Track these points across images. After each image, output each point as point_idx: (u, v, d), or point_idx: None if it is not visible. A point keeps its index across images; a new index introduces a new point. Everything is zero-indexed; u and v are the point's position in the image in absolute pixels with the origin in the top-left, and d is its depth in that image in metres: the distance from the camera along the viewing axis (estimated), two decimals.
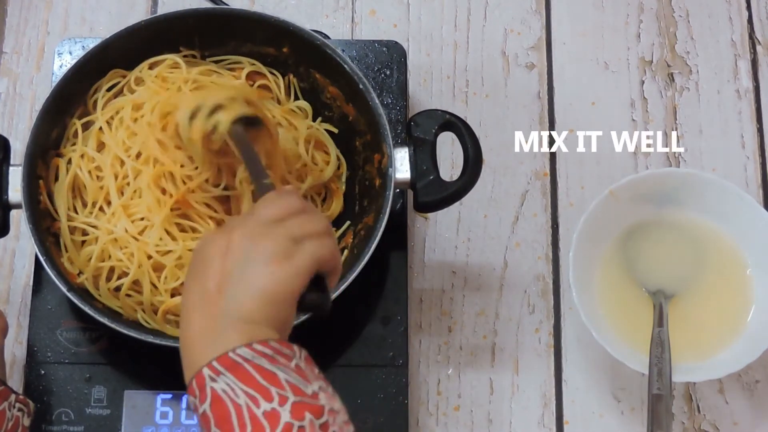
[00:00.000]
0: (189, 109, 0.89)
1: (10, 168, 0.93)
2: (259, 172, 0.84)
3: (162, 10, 1.12)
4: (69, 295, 0.89)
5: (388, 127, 0.95)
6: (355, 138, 1.00)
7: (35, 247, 0.90)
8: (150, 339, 0.90)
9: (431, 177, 0.94)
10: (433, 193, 0.94)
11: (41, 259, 0.90)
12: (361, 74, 0.96)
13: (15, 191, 0.92)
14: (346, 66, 0.96)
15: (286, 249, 0.72)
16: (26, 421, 0.86)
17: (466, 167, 0.94)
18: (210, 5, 1.10)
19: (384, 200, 0.93)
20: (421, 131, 0.95)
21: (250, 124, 0.89)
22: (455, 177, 0.94)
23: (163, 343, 0.89)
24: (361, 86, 0.96)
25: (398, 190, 0.96)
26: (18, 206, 0.92)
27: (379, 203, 0.94)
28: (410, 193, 1.03)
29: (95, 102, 0.98)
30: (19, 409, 0.85)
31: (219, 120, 0.88)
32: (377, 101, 0.95)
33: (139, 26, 0.97)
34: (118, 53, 0.98)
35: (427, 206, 0.95)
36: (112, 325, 0.89)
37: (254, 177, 0.84)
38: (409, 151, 0.95)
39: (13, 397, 0.85)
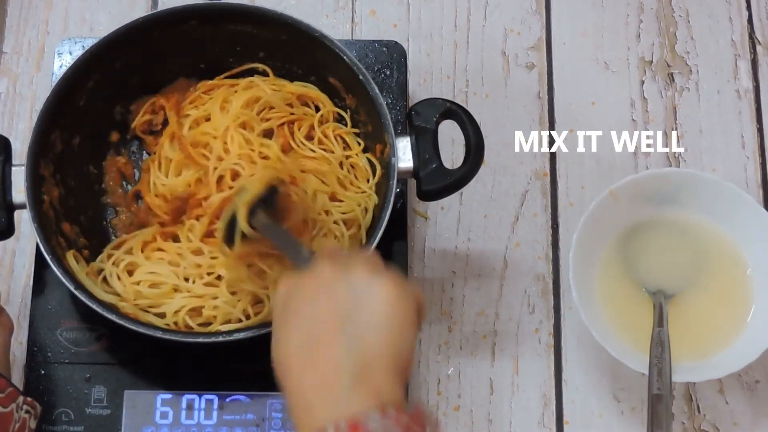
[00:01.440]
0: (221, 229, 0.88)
1: (13, 168, 0.93)
2: (295, 249, 0.80)
3: (162, 8, 1.12)
4: (77, 293, 0.89)
5: (389, 117, 0.95)
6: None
7: (41, 246, 0.90)
8: (160, 335, 0.89)
9: (434, 165, 0.94)
10: (437, 181, 0.94)
11: (47, 258, 0.90)
12: (360, 65, 0.96)
13: (19, 192, 0.92)
14: (345, 57, 0.97)
15: (396, 280, 0.70)
16: (33, 424, 0.86)
17: (469, 154, 0.94)
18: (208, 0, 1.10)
19: (388, 189, 0.93)
20: (422, 120, 0.95)
21: (271, 196, 0.87)
22: (456, 165, 0.94)
23: (173, 338, 0.89)
24: (360, 77, 0.96)
25: (401, 180, 0.96)
26: (22, 206, 0.92)
27: (383, 193, 0.94)
28: (410, 193, 1.03)
29: None
30: (27, 411, 0.85)
31: (238, 224, 0.85)
32: (377, 91, 0.95)
33: (137, 23, 0.97)
34: (119, 52, 0.98)
35: (430, 194, 0.95)
36: (121, 322, 0.89)
37: (292, 256, 0.80)
38: (410, 140, 0.95)
39: (21, 398, 0.85)
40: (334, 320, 0.67)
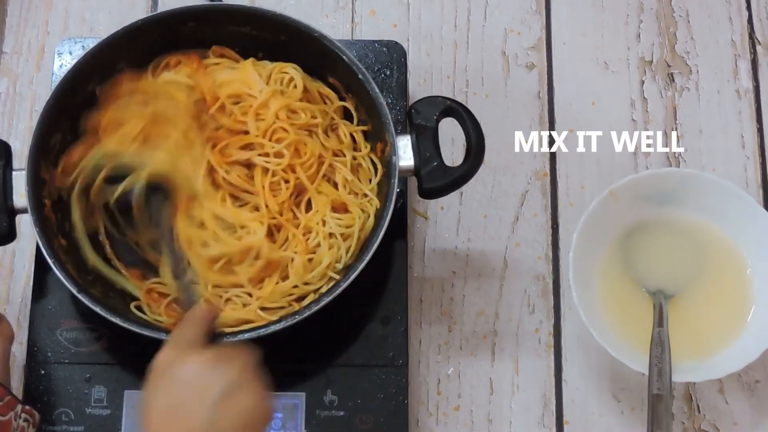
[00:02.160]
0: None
1: (14, 173, 0.93)
2: (181, 269, 0.88)
3: (162, 9, 1.12)
4: (80, 296, 0.89)
5: (389, 115, 0.95)
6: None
7: (43, 250, 0.90)
8: (163, 336, 0.89)
9: (435, 163, 0.94)
10: (438, 179, 0.94)
11: (49, 261, 0.90)
12: (360, 64, 0.96)
13: (20, 196, 0.92)
14: (344, 57, 0.97)
15: (262, 393, 0.78)
16: None
17: (469, 152, 0.94)
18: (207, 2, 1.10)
19: (389, 188, 0.93)
20: (423, 118, 0.95)
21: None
22: (456, 165, 0.95)
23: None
24: (360, 76, 0.96)
25: (401, 179, 0.96)
26: (24, 211, 0.92)
27: (384, 191, 0.94)
28: (410, 193, 1.03)
29: None
30: (25, 420, 0.85)
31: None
32: (377, 90, 0.95)
33: (137, 25, 0.97)
34: (119, 52, 0.98)
35: (431, 192, 0.95)
36: (123, 324, 0.89)
37: (176, 274, 0.89)
38: (411, 138, 0.95)
39: (19, 407, 0.85)
40: (201, 400, 0.75)
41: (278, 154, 0.95)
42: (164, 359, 0.78)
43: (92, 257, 0.95)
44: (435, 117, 0.95)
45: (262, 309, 0.94)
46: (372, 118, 0.97)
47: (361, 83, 0.96)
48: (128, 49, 0.99)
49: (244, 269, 0.94)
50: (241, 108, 0.97)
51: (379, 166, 0.98)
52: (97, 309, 0.89)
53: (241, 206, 0.96)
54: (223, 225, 0.95)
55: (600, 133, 1.11)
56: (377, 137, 0.97)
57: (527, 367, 1.03)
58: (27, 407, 0.85)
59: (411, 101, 1.07)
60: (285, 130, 0.96)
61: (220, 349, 0.79)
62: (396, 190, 0.93)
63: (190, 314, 0.81)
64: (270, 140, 0.96)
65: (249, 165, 0.96)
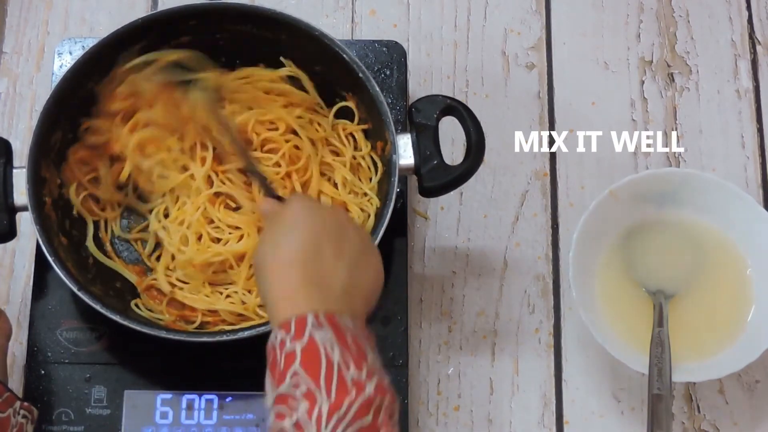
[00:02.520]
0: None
1: (14, 170, 0.93)
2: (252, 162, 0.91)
3: (162, 9, 1.12)
4: (80, 294, 0.89)
5: (390, 114, 0.95)
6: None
7: (43, 248, 0.90)
8: (164, 335, 0.90)
9: (435, 162, 0.94)
10: (438, 178, 0.94)
11: (50, 260, 0.90)
12: (360, 63, 0.96)
13: (20, 194, 0.92)
14: (344, 55, 0.97)
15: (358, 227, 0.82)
16: (30, 428, 0.86)
17: (470, 150, 0.94)
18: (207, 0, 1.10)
19: (390, 187, 0.93)
20: (423, 117, 0.95)
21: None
22: (456, 162, 0.95)
23: (178, 338, 0.90)
24: (360, 75, 0.96)
25: (401, 178, 0.96)
26: (24, 209, 0.92)
27: (384, 190, 0.94)
28: (410, 193, 1.03)
29: None
30: (24, 416, 0.85)
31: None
32: (377, 89, 0.96)
33: (136, 24, 0.97)
34: (118, 52, 0.98)
35: (432, 191, 0.95)
36: (125, 323, 0.89)
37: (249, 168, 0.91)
38: (411, 136, 0.95)
39: (18, 403, 0.85)
40: (334, 237, 0.77)
41: (274, 165, 0.98)
42: (269, 206, 0.82)
43: (92, 246, 0.97)
44: (435, 115, 0.95)
45: (260, 307, 0.94)
46: (372, 116, 0.97)
47: (361, 82, 0.96)
48: (128, 48, 0.99)
49: (241, 271, 0.95)
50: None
51: (380, 165, 0.98)
52: (98, 307, 0.89)
53: (236, 209, 0.98)
54: (216, 228, 0.97)
55: (600, 133, 1.11)
56: (377, 136, 0.97)
57: (527, 367, 1.02)
58: (25, 404, 0.85)
59: (411, 101, 1.07)
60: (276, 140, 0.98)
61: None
62: (396, 190, 0.93)
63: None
64: (263, 150, 0.99)
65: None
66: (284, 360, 0.71)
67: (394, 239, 0.99)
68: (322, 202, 0.85)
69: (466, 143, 0.95)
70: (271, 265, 0.77)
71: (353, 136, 1.01)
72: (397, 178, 0.93)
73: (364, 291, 0.78)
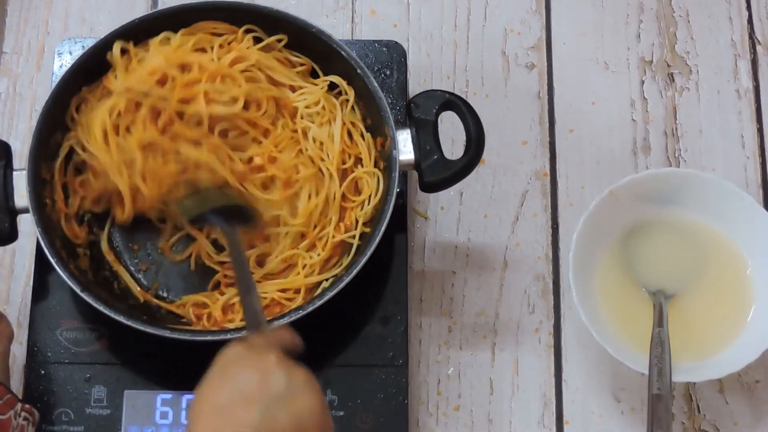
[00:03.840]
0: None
1: (14, 173, 0.93)
2: (249, 285, 0.82)
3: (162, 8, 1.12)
4: (83, 295, 0.89)
5: (389, 110, 0.95)
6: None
7: (45, 250, 0.90)
8: (167, 335, 0.90)
9: (435, 157, 0.94)
10: (439, 173, 0.94)
11: (52, 261, 0.90)
12: (358, 59, 0.96)
13: (21, 197, 0.92)
14: (343, 52, 0.97)
15: (324, 404, 0.75)
16: (31, 430, 0.86)
17: (469, 145, 0.94)
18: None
19: (390, 182, 0.93)
20: (422, 112, 0.96)
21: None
22: (456, 156, 0.95)
23: (178, 338, 0.90)
24: (359, 71, 0.96)
25: (401, 178, 0.96)
26: (25, 211, 0.92)
27: (384, 186, 0.94)
28: (410, 193, 1.03)
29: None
30: (25, 418, 0.85)
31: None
32: (376, 84, 0.96)
33: (136, 23, 0.97)
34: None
35: (433, 186, 0.95)
36: (128, 323, 0.89)
37: (243, 290, 0.83)
38: (411, 132, 0.95)
39: (19, 405, 0.85)
40: (258, 398, 0.72)
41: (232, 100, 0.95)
42: (230, 353, 0.76)
43: (106, 248, 0.98)
44: (434, 110, 0.95)
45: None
46: (371, 112, 0.97)
47: (360, 78, 0.96)
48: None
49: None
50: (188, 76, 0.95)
51: (380, 162, 0.97)
52: (101, 308, 0.89)
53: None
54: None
55: (600, 133, 1.11)
56: (377, 131, 0.97)
57: (527, 367, 1.02)
58: (26, 406, 0.85)
59: None
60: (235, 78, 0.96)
61: (290, 362, 0.76)
62: (396, 189, 0.93)
63: (275, 330, 0.80)
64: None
65: None
66: None
67: (394, 238, 0.99)
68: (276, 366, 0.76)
69: (465, 140, 0.95)
70: (191, 415, 0.75)
71: (350, 135, 1.00)
72: (397, 174, 0.93)
73: None
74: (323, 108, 0.98)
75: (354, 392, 0.95)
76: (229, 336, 0.89)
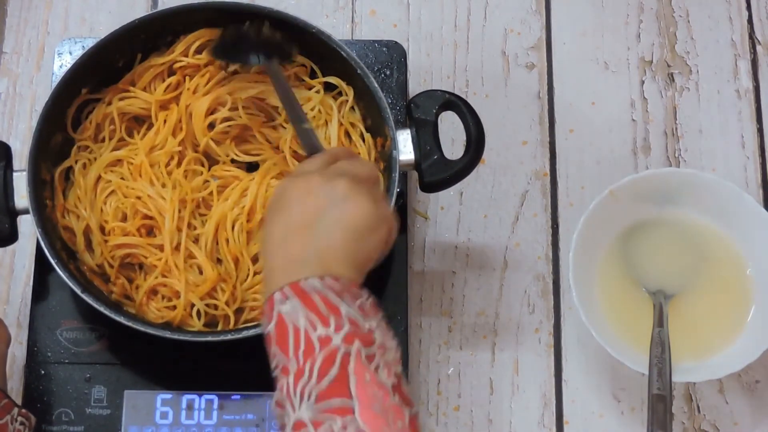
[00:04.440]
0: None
1: (14, 174, 0.93)
2: (299, 115, 0.91)
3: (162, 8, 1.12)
4: (83, 296, 0.89)
5: (389, 110, 0.95)
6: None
7: (45, 251, 0.90)
8: (168, 335, 0.90)
9: (435, 157, 0.94)
10: (439, 173, 0.94)
11: (53, 262, 0.89)
12: (358, 59, 0.96)
13: (21, 197, 0.92)
14: (342, 52, 0.97)
15: (374, 196, 0.79)
16: None
17: (470, 145, 0.94)
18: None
19: (390, 182, 0.93)
20: (422, 112, 0.95)
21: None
22: (456, 156, 0.95)
23: (178, 338, 0.90)
24: (359, 71, 0.96)
25: (401, 177, 0.95)
26: (25, 212, 0.92)
27: (384, 187, 0.94)
28: (410, 193, 1.03)
29: None
30: (21, 423, 0.85)
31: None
32: (376, 84, 0.95)
33: (135, 24, 0.97)
34: (118, 51, 0.98)
35: (433, 186, 0.95)
36: (128, 323, 0.89)
37: (294, 120, 0.92)
38: (411, 132, 0.95)
39: (15, 410, 0.84)
40: (309, 219, 0.76)
41: None
42: (280, 187, 0.80)
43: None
44: (434, 110, 0.95)
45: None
46: (371, 112, 0.97)
47: (360, 78, 0.96)
48: (127, 48, 0.99)
49: None
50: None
51: (380, 162, 0.97)
52: (101, 308, 0.89)
53: None
54: None
55: (600, 133, 1.11)
56: (377, 132, 0.97)
57: (527, 368, 1.02)
58: (23, 410, 0.85)
59: None
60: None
61: (330, 164, 0.81)
62: (396, 189, 0.93)
63: (321, 151, 0.86)
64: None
65: None
66: (268, 345, 0.73)
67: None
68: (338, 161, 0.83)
69: (465, 140, 0.95)
70: (262, 249, 0.80)
71: (348, 135, 1.01)
72: (398, 174, 0.93)
73: (346, 254, 0.76)
74: (319, 111, 0.98)
75: None
76: (229, 337, 0.89)
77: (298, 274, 0.73)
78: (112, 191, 0.96)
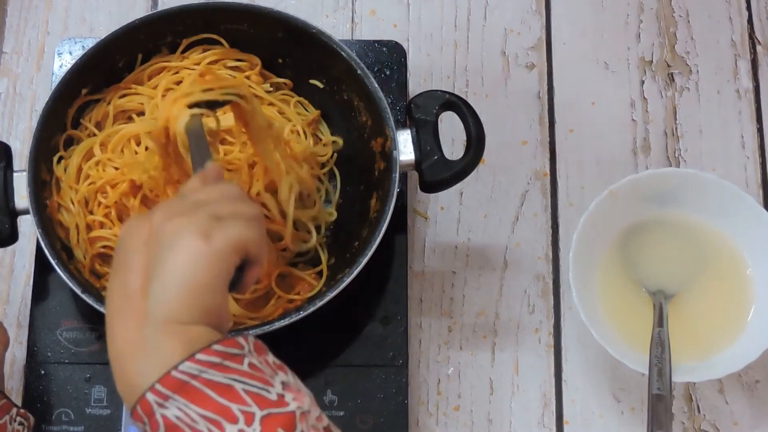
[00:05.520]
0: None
1: (14, 174, 0.93)
2: (203, 156, 0.77)
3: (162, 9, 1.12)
4: (84, 296, 0.89)
5: (389, 110, 0.95)
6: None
7: (45, 251, 0.90)
8: None
9: (435, 157, 0.94)
10: (439, 173, 0.94)
11: (53, 263, 0.89)
12: (358, 59, 0.96)
13: (21, 198, 0.92)
14: (342, 52, 0.97)
15: (206, 228, 0.65)
16: None
17: (470, 145, 0.94)
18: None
19: (390, 183, 0.93)
20: (422, 112, 0.95)
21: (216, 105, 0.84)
22: (456, 156, 0.95)
23: None
24: (359, 71, 0.96)
25: (401, 177, 0.96)
26: (25, 212, 0.92)
27: (385, 187, 0.94)
28: (410, 193, 1.03)
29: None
30: (20, 423, 0.85)
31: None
32: (376, 85, 0.96)
33: (135, 24, 0.97)
34: (118, 52, 0.98)
35: (433, 186, 0.95)
36: None
37: (196, 163, 0.78)
38: (411, 132, 0.95)
39: (14, 410, 0.85)
40: (142, 279, 0.65)
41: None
42: (123, 231, 0.69)
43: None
44: (434, 111, 0.95)
45: None
46: (371, 112, 0.97)
47: (360, 78, 0.96)
48: (127, 48, 0.99)
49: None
50: None
51: (380, 162, 0.98)
52: (101, 308, 0.89)
53: None
54: None
55: (600, 133, 1.11)
56: (377, 132, 0.97)
57: (527, 367, 1.03)
58: (22, 411, 0.85)
59: None
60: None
61: (180, 200, 0.69)
62: (396, 189, 0.93)
63: (190, 181, 0.73)
64: None
65: None
66: None
67: (395, 239, 0.99)
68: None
69: (465, 140, 0.95)
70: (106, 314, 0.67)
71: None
72: (398, 175, 0.93)
73: (193, 314, 0.64)
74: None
75: (354, 392, 0.95)
76: (229, 337, 0.89)
77: (159, 357, 0.61)
78: (91, 179, 0.96)
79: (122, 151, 0.97)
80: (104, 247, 0.96)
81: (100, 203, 0.96)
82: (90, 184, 0.96)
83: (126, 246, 0.67)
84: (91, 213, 0.96)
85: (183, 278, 0.64)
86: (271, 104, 1.01)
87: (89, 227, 0.95)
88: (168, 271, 0.64)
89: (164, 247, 0.65)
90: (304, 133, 1.01)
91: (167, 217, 0.66)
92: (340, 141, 1.02)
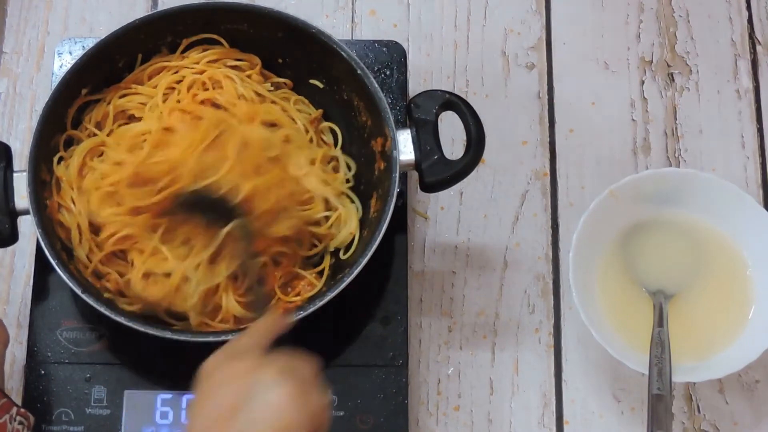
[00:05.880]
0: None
1: (14, 174, 0.93)
2: (257, 280, 0.87)
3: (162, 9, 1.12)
4: (84, 296, 0.89)
5: (389, 110, 0.95)
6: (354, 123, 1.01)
7: (46, 251, 0.90)
8: (169, 336, 0.90)
9: (435, 157, 0.94)
10: (439, 173, 0.94)
11: (53, 263, 0.89)
12: (358, 59, 0.96)
13: (21, 198, 0.92)
14: (342, 52, 0.97)
15: (300, 391, 0.73)
16: None
17: (470, 144, 0.94)
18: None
19: (390, 183, 0.93)
20: (422, 112, 0.95)
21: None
22: (456, 156, 0.95)
23: (179, 338, 0.90)
24: (359, 71, 0.96)
25: (401, 177, 0.96)
26: (25, 212, 0.92)
27: (385, 187, 0.94)
28: (410, 193, 1.03)
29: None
30: (20, 422, 0.85)
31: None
32: (376, 85, 0.96)
33: (135, 24, 0.97)
34: (118, 52, 0.98)
35: (433, 186, 0.95)
36: (129, 324, 0.89)
37: (252, 288, 0.88)
38: (411, 132, 0.95)
39: (14, 410, 0.85)
40: (231, 411, 0.72)
41: None
42: (211, 364, 0.76)
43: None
44: (434, 110, 0.95)
45: None
46: (371, 112, 0.97)
47: (360, 78, 0.96)
48: (127, 48, 0.99)
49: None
50: None
51: (380, 162, 0.98)
52: (102, 309, 0.89)
53: None
54: None
55: (600, 133, 1.11)
56: (377, 132, 0.97)
57: (527, 368, 1.03)
58: (22, 410, 0.85)
59: None
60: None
61: (269, 356, 0.76)
62: (396, 189, 0.93)
63: (254, 324, 0.79)
64: None
65: None
66: None
67: (395, 239, 0.99)
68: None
69: (465, 140, 0.95)
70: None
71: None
72: (398, 175, 0.93)
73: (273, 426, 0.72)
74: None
75: (354, 392, 0.95)
76: (230, 337, 0.89)
77: None
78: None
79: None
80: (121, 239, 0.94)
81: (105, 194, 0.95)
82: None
83: (213, 380, 0.75)
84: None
85: (274, 423, 0.72)
86: (273, 102, 1.01)
87: (92, 226, 0.95)
88: (264, 412, 0.72)
89: (264, 388, 0.73)
90: (306, 131, 1.01)
91: (264, 365, 0.74)
92: (353, 165, 1.02)
